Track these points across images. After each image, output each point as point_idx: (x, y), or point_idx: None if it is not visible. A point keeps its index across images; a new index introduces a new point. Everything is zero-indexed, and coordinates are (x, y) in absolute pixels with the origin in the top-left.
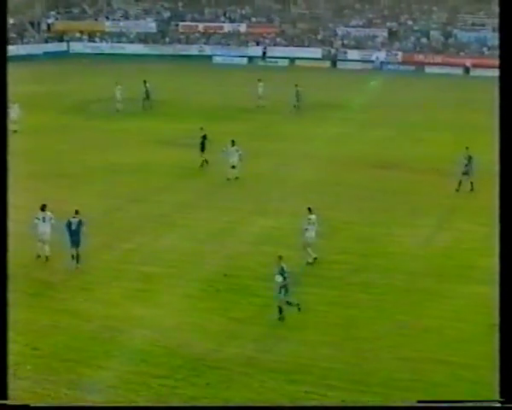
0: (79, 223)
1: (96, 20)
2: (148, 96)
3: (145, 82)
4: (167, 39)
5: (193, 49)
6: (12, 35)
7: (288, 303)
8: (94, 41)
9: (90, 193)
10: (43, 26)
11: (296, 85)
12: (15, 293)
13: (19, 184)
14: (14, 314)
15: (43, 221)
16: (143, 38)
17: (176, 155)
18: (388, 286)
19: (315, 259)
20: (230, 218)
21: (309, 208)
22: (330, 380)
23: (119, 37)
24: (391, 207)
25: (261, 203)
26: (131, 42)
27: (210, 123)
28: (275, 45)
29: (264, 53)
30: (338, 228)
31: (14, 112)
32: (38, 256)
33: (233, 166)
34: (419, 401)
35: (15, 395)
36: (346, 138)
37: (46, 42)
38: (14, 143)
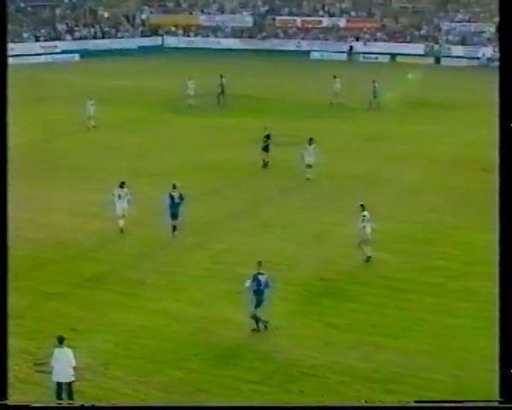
0: (180, 196)
1: (190, 13)
2: (222, 91)
3: (221, 76)
4: (264, 34)
5: (290, 45)
6: (106, 29)
7: (255, 318)
8: (188, 35)
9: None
10: (138, 21)
11: (374, 81)
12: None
13: (114, 181)
14: (107, 314)
15: (119, 198)
16: (239, 33)
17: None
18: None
19: (369, 258)
20: (328, 219)
21: (361, 205)
22: (428, 392)
23: (214, 31)
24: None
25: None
26: (226, 36)
27: (300, 121)
28: (375, 41)
29: (351, 48)
30: (441, 232)
31: (90, 108)
32: (121, 230)
33: (309, 166)
34: (419, 402)
35: (105, 395)
36: (447, 138)
37: (140, 36)
38: (96, 139)
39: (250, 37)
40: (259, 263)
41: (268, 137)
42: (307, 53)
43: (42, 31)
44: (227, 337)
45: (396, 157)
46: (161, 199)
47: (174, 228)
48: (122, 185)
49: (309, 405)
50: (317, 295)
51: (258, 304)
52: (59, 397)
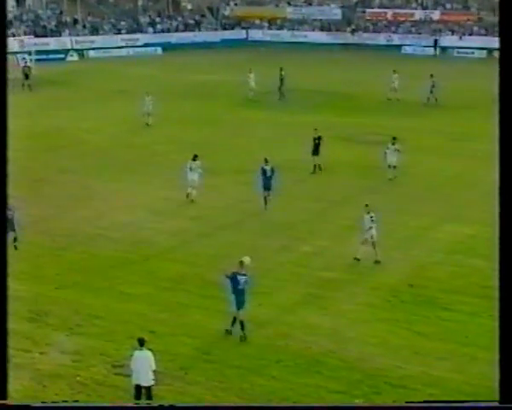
0: (272, 170)
1: (276, 6)
2: (282, 84)
3: (281, 69)
4: (353, 27)
5: (380, 39)
6: (190, 21)
7: (233, 322)
8: (274, 28)
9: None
10: (222, 13)
11: (431, 76)
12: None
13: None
14: (187, 317)
15: (190, 170)
16: (327, 26)
17: (358, 152)
18: None
19: (358, 259)
20: (416, 223)
21: (366, 205)
22: None
23: (300, 24)
24: None
25: (451, 208)
26: (314, 30)
27: (387, 118)
28: (470, 35)
29: (436, 41)
30: None
31: (149, 104)
32: (187, 196)
33: (392, 166)
34: (418, 402)
35: (184, 401)
36: None
37: (224, 29)
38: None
39: (338, 30)
40: (241, 262)
41: (319, 138)
42: (398, 47)
43: (123, 23)
44: (310, 344)
45: (482, 157)
46: (243, 200)
47: (266, 200)
48: (195, 158)
49: (309, 405)
50: (405, 303)
51: (239, 305)
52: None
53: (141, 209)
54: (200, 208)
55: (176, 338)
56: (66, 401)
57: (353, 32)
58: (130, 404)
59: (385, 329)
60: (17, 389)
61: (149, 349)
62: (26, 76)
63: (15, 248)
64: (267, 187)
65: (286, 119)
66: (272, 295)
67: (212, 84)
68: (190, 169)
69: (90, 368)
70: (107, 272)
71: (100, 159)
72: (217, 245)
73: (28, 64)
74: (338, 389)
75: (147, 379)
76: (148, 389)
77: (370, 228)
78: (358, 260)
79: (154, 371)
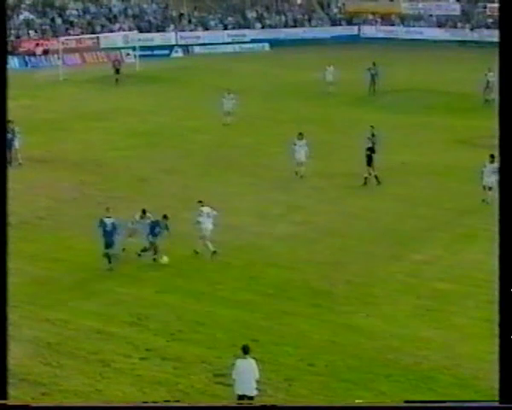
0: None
1: (391, 0)
2: (374, 81)
3: (374, 64)
4: (472, 23)
5: None
6: (299, 17)
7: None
8: (388, 24)
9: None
10: (334, 8)
11: (487, 72)
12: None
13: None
14: (292, 326)
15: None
16: (444, 22)
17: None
18: None
19: (214, 252)
20: None
21: (200, 201)
22: None
23: (416, 20)
24: None
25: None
26: (430, 26)
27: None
28: None
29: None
30: None
31: (229, 103)
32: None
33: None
34: (418, 401)
35: None
36: None
37: (334, 24)
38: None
39: (456, 27)
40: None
41: (372, 150)
42: None
43: (230, 18)
44: (421, 358)
45: None
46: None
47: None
48: (300, 136)
49: (309, 405)
50: None
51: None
52: None
53: (246, 212)
54: (306, 213)
55: (280, 348)
56: (66, 401)
57: (473, 28)
58: (131, 404)
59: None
60: (116, 394)
61: (253, 358)
62: (117, 71)
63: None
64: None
65: (395, 120)
66: (382, 306)
67: (320, 82)
68: (294, 144)
69: (191, 376)
70: (209, 276)
71: (206, 159)
72: (325, 252)
73: (118, 58)
74: None
75: (250, 389)
76: (251, 399)
77: (199, 222)
78: (214, 252)
79: (257, 381)
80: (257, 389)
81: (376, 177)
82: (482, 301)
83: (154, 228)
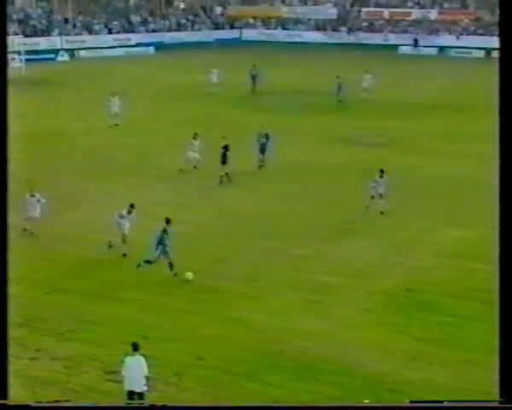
0: (266, 136)
1: (271, 5)
2: (255, 83)
3: (254, 66)
4: (348, 27)
5: (377, 38)
6: (182, 21)
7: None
8: (268, 28)
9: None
10: (216, 12)
11: (338, 77)
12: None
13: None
14: (181, 322)
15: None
16: (322, 26)
17: (353, 154)
18: None
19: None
20: (414, 226)
21: (131, 205)
22: None
23: (295, 24)
24: None
25: (451, 211)
26: (309, 29)
27: (390, 120)
28: (468, 35)
29: (416, 40)
30: None
31: (114, 104)
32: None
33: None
34: (418, 401)
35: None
36: None
37: (217, 28)
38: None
39: (334, 30)
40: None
41: (226, 148)
42: (395, 47)
43: (115, 22)
44: (306, 349)
45: (481, 158)
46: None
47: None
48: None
49: (309, 405)
50: (403, 307)
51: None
52: None
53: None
54: (191, 212)
55: (169, 344)
56: (66, 401)
57: (349, 31)
58: (129, 404)
59: (382, 333)
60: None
61: (142, 355)
62: None
63: None
64: (263, 150)
65: (278, 120)
66: (268, 300)
67: (205, 84)
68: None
69: (83, 375)
70: (97, 276)
71: (93, 161)
72: (210, 249)
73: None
74: (335, 396)
75: (139, 385)
76: (141, 394)
77: (119, 224)
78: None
79: (146, 377)
80: (146, 385)
81: (227, 174)
82: (364, 292)
83: (162, 239)
